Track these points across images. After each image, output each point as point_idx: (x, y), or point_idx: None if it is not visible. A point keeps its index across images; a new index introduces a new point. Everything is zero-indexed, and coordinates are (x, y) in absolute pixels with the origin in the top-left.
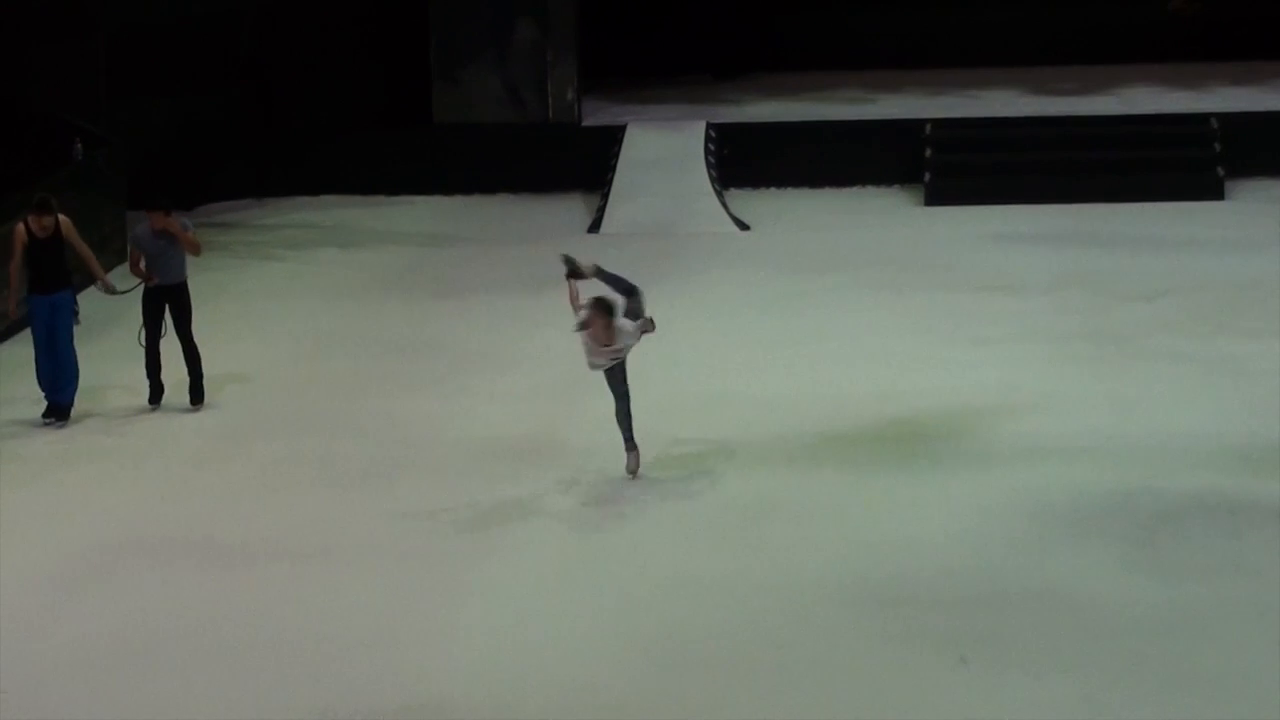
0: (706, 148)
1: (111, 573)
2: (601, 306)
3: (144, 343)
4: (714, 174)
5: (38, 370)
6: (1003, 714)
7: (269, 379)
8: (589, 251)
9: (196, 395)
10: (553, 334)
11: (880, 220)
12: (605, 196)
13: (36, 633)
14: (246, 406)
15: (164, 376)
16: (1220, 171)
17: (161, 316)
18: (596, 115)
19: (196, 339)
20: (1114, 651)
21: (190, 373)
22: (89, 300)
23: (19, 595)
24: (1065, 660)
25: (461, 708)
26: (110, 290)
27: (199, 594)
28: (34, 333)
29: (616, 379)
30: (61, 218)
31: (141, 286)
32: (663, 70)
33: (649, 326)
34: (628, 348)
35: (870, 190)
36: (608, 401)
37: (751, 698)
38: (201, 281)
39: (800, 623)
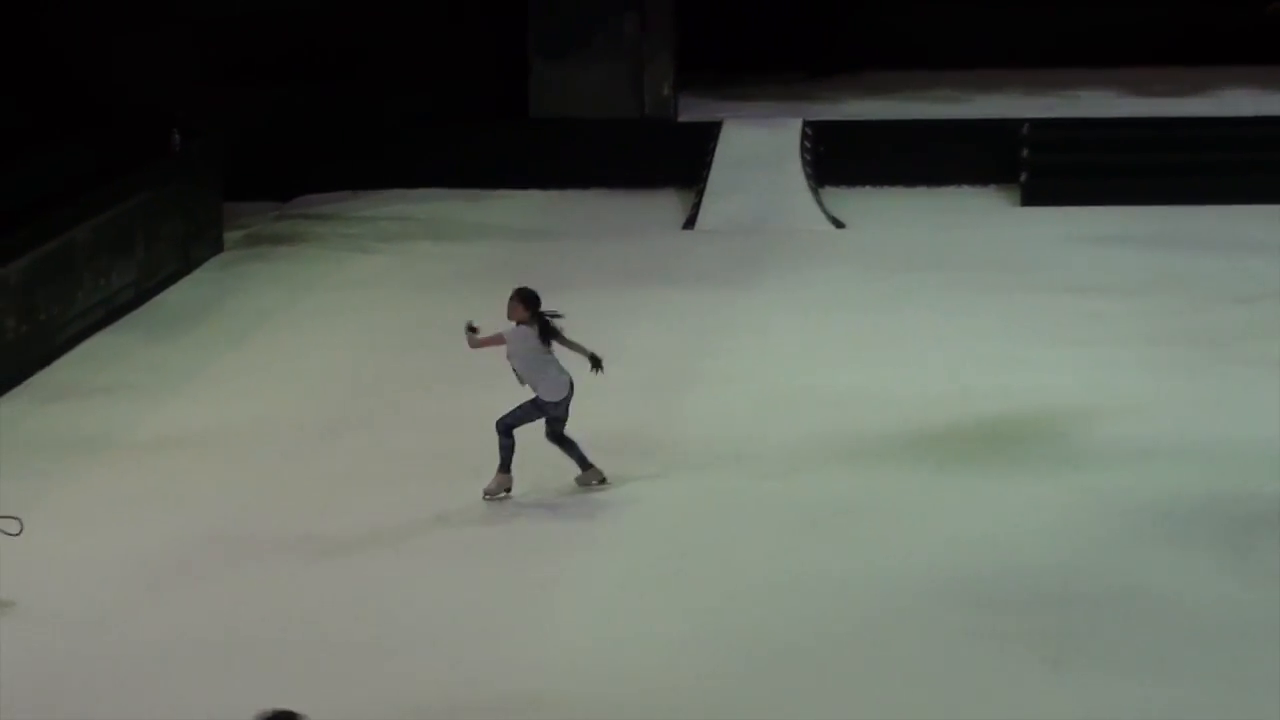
0: (802, 145)
1: (204, 566)
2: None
3: None
4: (809, 171)
5: None
6: (1093, 716)
7: (363, 372)
8: (683, 246)
9: None
10: (648, 329)
11: (975, 220)
12: (700, 193)
13: (129, 625)
14: (337, 400)
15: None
16: None
17: None
18: (692, 111)
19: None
20: (1205, 656)
21: None
22: None
23: (109, 587)
24: (1157, 663)
25: (555, 702)
26: None
27: (292, 588)
28: None
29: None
30: None
31: None
32: (759, 67)
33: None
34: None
35: (966, 190)
36: (706, 395)
37: (841, 696)
38: (297, 274)
39: (891, 621)
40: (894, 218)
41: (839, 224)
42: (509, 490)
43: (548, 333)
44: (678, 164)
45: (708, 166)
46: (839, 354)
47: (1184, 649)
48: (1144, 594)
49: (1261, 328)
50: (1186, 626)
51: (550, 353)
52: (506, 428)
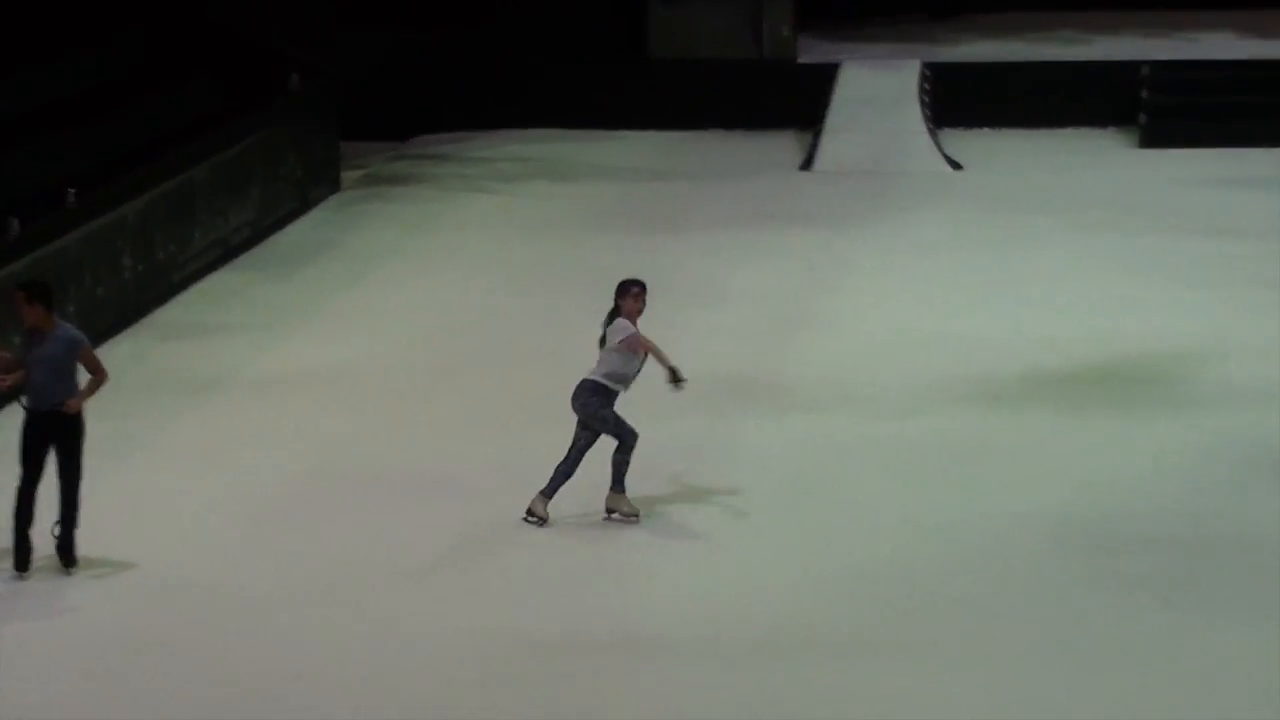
0: (921, 87)
1: (319, 503)
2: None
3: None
4: (928, 113)
5: None
6: (1206, 658)
7: (477, 311)
8: (801, 187)
9: (66, 553)
10: (765, 270)
11: (1094, 162)
12: (818, 134)
13: (246, 563)
14: (453, 339)
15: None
16: None
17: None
18: (811, 53)
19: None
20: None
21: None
22: None
23: (227, 525)
24: (1270, 606)
25: (667, 643)
26: None
27: (407, 526)
28: None
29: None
30: None
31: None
32: (878, 8)
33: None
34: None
35: (1085, 132)
36: (821, 336)
37: (959, 634)
38: (413, 214)
39: (1009, 561)
40: (1012, 160)
41: (957, 165)
42: (636, 514)
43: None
44: (796, 105)
45: (826, 108)
46: (956, 296)
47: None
48: (1259, 537)
49: None
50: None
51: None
52: (628, 434)
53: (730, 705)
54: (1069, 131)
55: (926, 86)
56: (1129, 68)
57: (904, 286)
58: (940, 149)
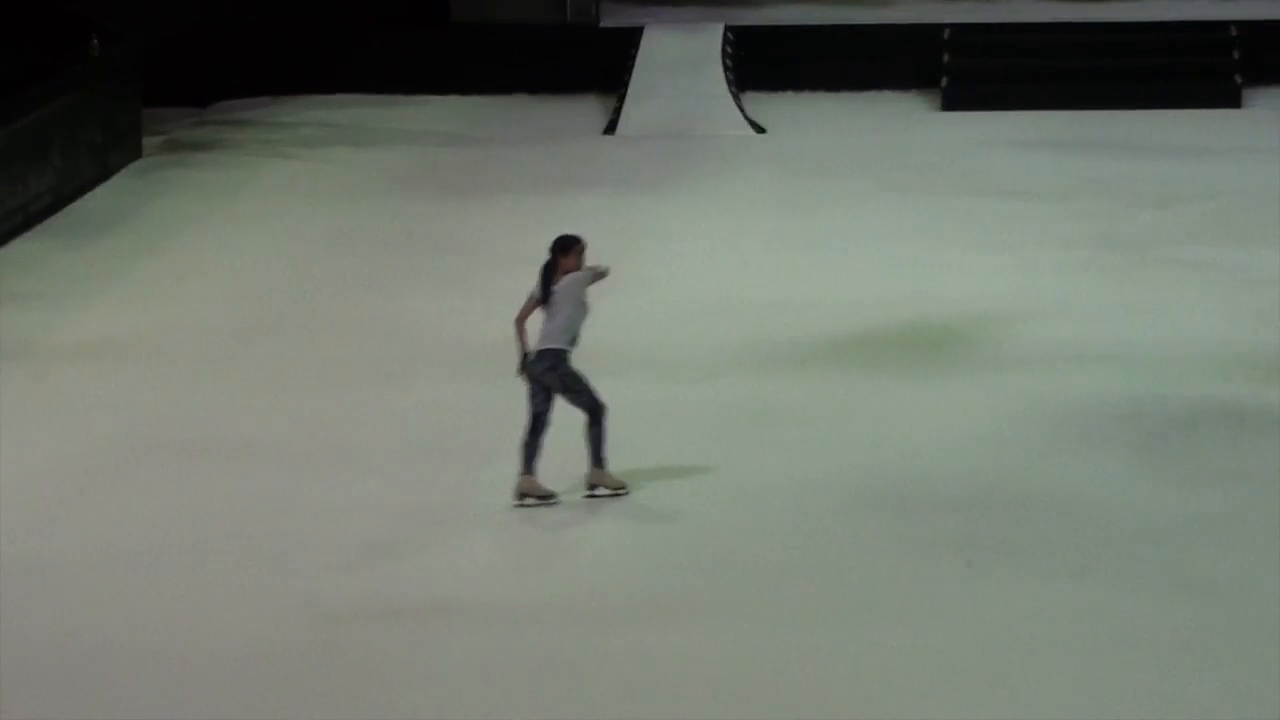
0: (724, 50)
1: (118, 472)
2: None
3: None
4: (731, 76)
5: None
6: (1012, 618)
7: (281, 277)
8: (604, 151)
9: None
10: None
11: (896, 125)
12: (621, 98)
13: (42, 534)
14: (257, 305)
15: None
16: (1238, 79)
17: None
18: (614, 16)
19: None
20: (1123, 557)
21: None
22: None
23: (25, 495)
24: (1074, 565)
25: (471, 607)
26: None
27: (206, 493)
28: None
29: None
30: None
31: None
32: None
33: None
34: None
35: (887, 95)
36: (625, 301)
37: (762, 598)
38: (217, 180)
39: (812, 525)
40: (815, 123)
41: (760, 129)
42: (622, 487)
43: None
44: (599, 69)
45: (629, 72)
46: (759, 259)
47: (1102, 551)
48: (1062, 497)
49: (1180, 231)
50: (1103, 529)
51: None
52: (600, 407)
53: (537, 668)
54: (871, 95)
55: (729, 50)
56: (931, 31)
57: (708, 250)
58: (743, 112)
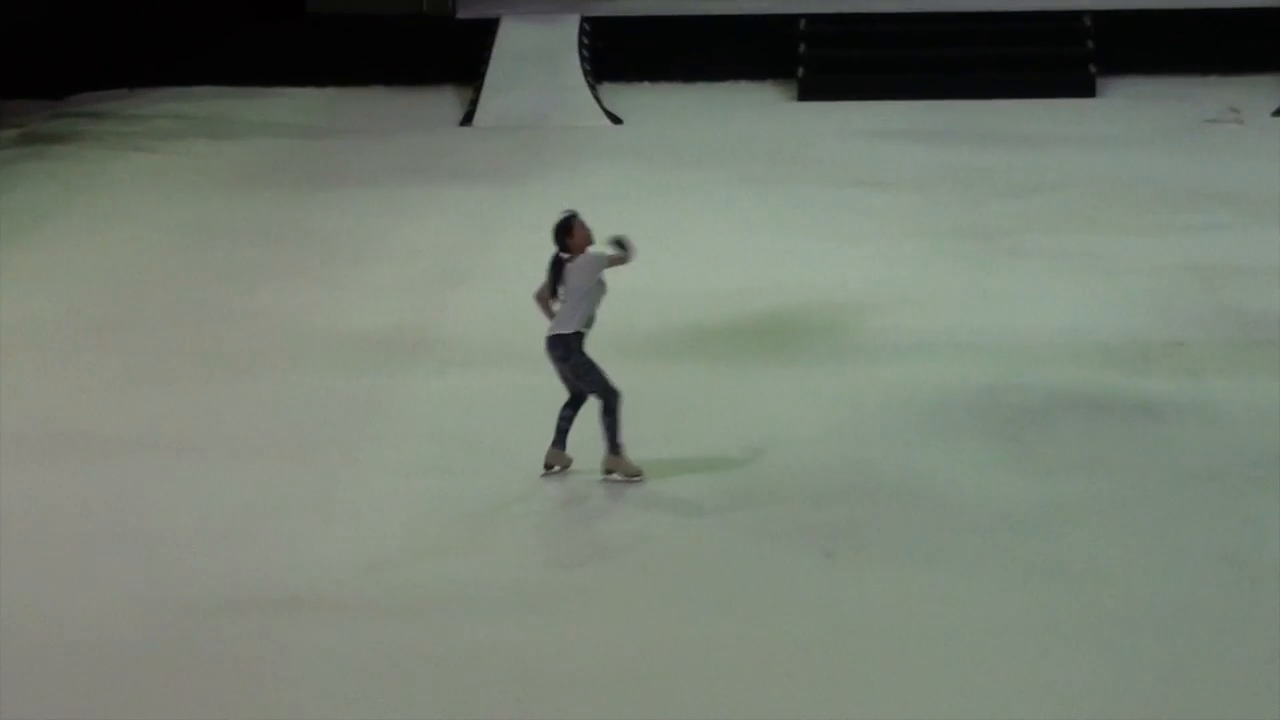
0: (580, 41)
1: None
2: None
3: None
4: (587, 68)
5: None
6: (870, 606)
7: (139, 270)
8: (461, 143)
9: None
10: (426, 226)
11: (753, 115)
12: (478, 89)
13: None
14: (116, 298)
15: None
16: (1092, 69)
17: None
18: (471, 8)
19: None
20: (979, 545)
21: None
22: None
23: None
24: (931, 554)
25: (334, 599)
26: None
27: (68, 486)
28: None
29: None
30: None
31: None
32: None
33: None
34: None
35: (743, 85)
36: (484, 292)
37: (622, 589)
38: (73, 172)
39: (671, 516)
40: (672, 113)
41: (616, 120)
42: (639, 474)
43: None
44: (456, 61)
45: (485, 63)
46: None
47: (958, 539)
48: (921, 486)
49: (1036, 221)
50: (962, 518)
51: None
52: (613, 392)
53: (395, 660)
54: (728, 85)
55: (586, 41)
56: (787, 21)
57: None
58: (600, 103)
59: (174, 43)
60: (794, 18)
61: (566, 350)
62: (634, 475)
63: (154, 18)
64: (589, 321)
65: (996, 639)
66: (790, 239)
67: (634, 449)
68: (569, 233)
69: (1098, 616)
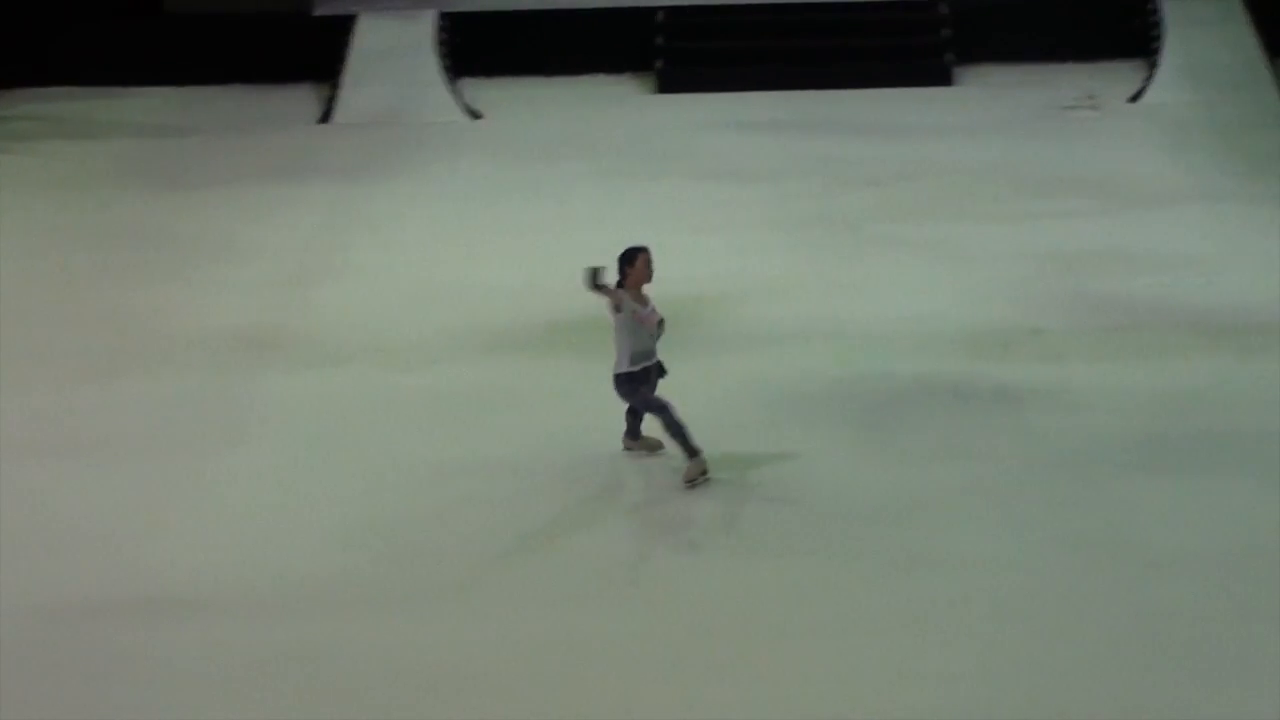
0: (438, 36)
1: None
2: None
3: None
4: (445, 63)
5: None
6: (737, 598)
7: None
8: (320, 140)
9: None
10: (286, 224)
11: (612, 108)
12: (336, 86)
13: None
14: None
15: None
16: (949, 58)
17: None
18: (328, 4)
19: None
20: (842, 535)
21: None
22: None
23: None
24: (795, 544)
25: (194, 599)
26: None
27: None
28: None
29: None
30: None
31: None
32: None
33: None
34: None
35: (602, 78)
36: (344, 289)
37: (482, 584)
38: None
39: (533, 509)
40: (530, 108)
41: (475, 115)
42: (705, 472)
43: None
44: (314, 58)
45: (343, 60)
46: (477, 245)
47: (822, 529)
48: (783, 476)
49: (895, 210)
50: (822, 507)
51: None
52: (660, 409)
53: (262, 658)
54: (587, 78)
55: (443, 36)
56: (645, 13)
57: (426, 237)
58: (459, 99)
59: (29, 43)
60: (651, 10)
61: (624, 390)
62: (700, 475)
63: (7, 18)
64: (634, 358)
65: (862, 629)
66: (650, 232)
67: (496, 446)
68: (630, 262)
69: (962, 604)
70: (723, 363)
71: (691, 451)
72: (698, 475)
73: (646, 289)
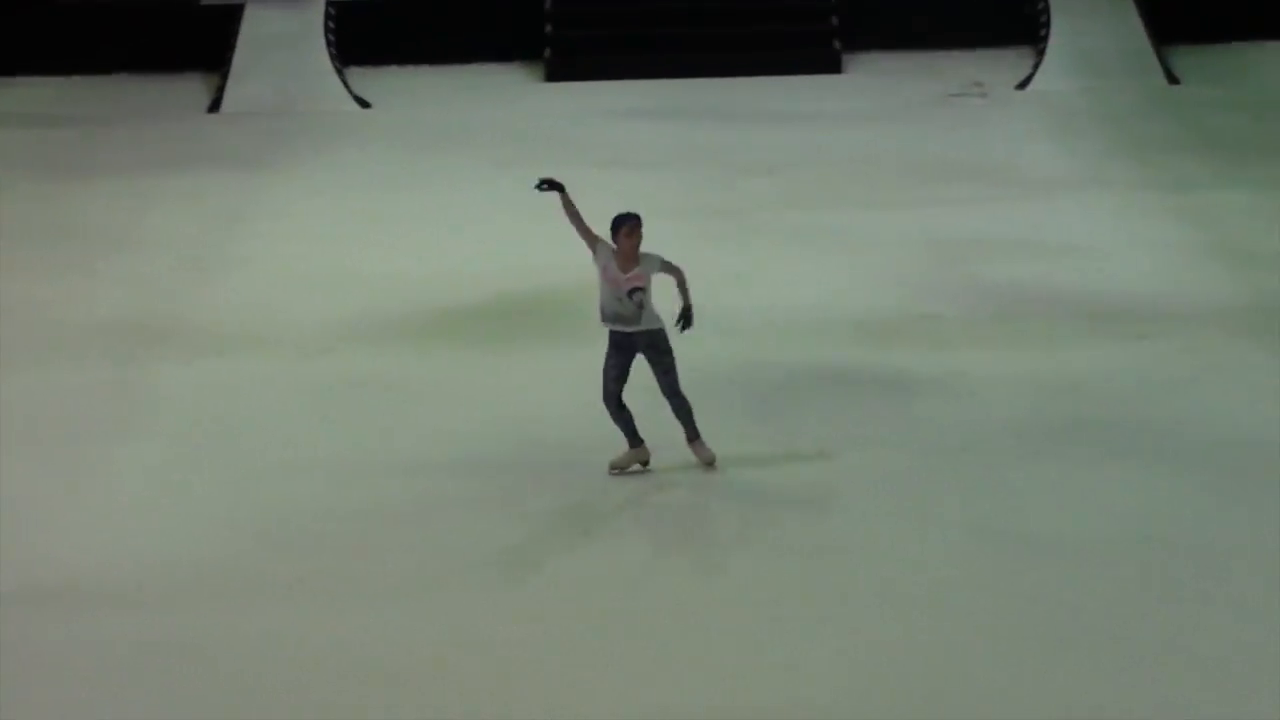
0: (326, 25)
1: None
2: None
3: None
4: (334, 52)
5: None
6: (628, 585)
7: None
8: (208, 129)
9: None
10: (176, 214)
11: (501, 97)
12: (225, 76)
13: None
14: None
15: None
16: (837, 45)
17: None
18: None
19: None
20: (736, 523)
21: None
22: None
23: None
24: (688, 532)
25: (86, 589)
26: None
27: None
28: None
29: (659, 355)
30: None
31: None
32: None
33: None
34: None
35: (491, 67)
36: (234, 278)
37: (368, 575)
38: None
39: (425, 499)
40: (420, 97)
41: (364, 104)
42: (645, 462)
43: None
44: (202, 47)
45: (231, 49)
46: (367, 234)
47: (712, 518)
48: (673, 465)
49: (784, 198)
50: (714, 496)
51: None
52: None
53: (153, 649)
54: (476, 67)
55: (332, 25)
56: (533, 2)
57: (317, 226)
58: (348, 87)
59: None
60: None
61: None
62: (634, 462)
63: None
64: (602, 314)
65: (755, 618)
66: (538, 221)
67: (383, 436)
68: (615, 230)
69: (856, 592)
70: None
71: (634, 440)
72: (630, 464)
73: (644, 262)
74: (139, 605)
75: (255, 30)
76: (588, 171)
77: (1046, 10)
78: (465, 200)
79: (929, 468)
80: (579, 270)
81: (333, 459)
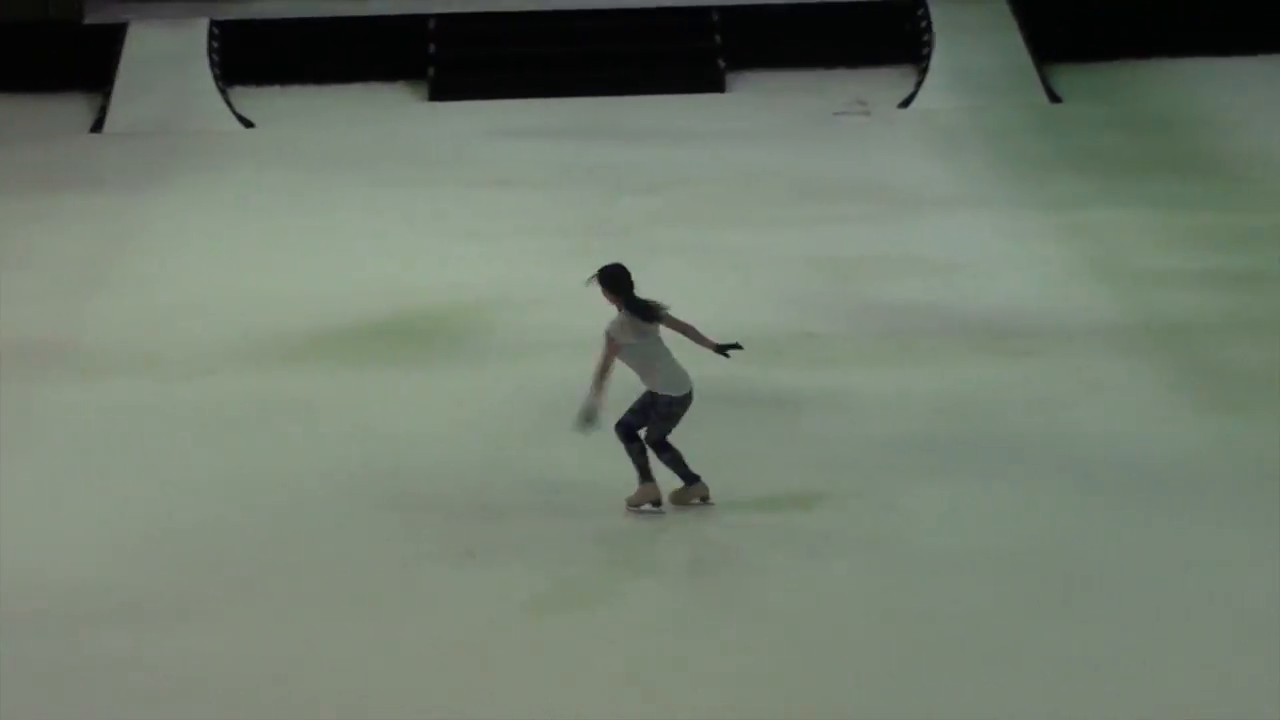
0: (210, 45)
1: None
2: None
3: None
4: (217, 72)
5: None
6: (509, 605)
7: None
8: (92, 149)
9: None
10: (56, 235)
11: (385, 116)
12: (108, 95)
13: None
14: None
15: None
16: (721, 64)
17: None
18: (98, 13)
19: None
20: (618, 542)
21: None
22: None
23: None
24: (572, 552)
25: None
26: None
27: None
28: None
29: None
30: None
31: None
32: None
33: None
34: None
35: (375, 86)
36: (115, 300)
37: (254, 597)
38: None
39: (303, 520)
40: (304, 116)
41: (248, 124)
42: (657, 501)
43: (644, 314)
44: (84, 66)
45: (114, 69)
46: (251, 255)
47: (595, 537)
48: (555, 484)
49: (668, 216)
50: (596, 515)
51: (658, 339)
52: (627, 431)
53: (35, 671)
54: (359, 86)
55: (215, 45)
56: (417, 21)
57: (200, 246)
58: (231, 107)
59: None
60: (423, 18)
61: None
62: (646, 502)
63: None
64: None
65: (637, 636)
66: (422, 240)
67: (272, 456)
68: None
69: (739, 611)
70: (492, 369)
71: (642, 477)
72: (644, 502)
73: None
74: (16, 627)
75: (139, 50)
76: (470, 191)
77: (929, 29)
78: (350, 220)
79: (812, 484)
80: (458, 290)
81: (213, 479)
